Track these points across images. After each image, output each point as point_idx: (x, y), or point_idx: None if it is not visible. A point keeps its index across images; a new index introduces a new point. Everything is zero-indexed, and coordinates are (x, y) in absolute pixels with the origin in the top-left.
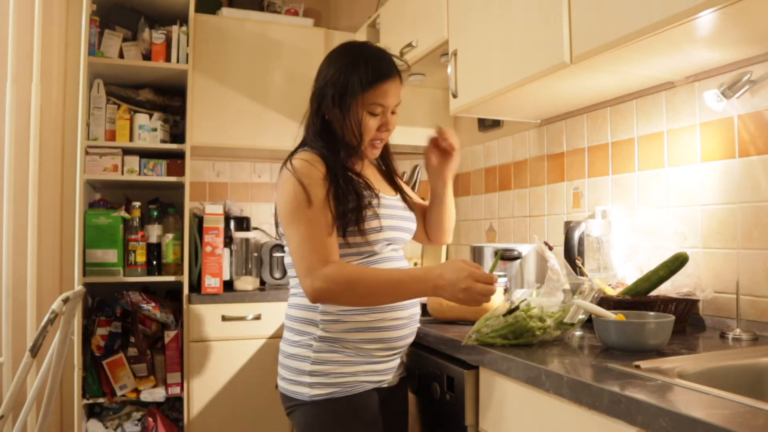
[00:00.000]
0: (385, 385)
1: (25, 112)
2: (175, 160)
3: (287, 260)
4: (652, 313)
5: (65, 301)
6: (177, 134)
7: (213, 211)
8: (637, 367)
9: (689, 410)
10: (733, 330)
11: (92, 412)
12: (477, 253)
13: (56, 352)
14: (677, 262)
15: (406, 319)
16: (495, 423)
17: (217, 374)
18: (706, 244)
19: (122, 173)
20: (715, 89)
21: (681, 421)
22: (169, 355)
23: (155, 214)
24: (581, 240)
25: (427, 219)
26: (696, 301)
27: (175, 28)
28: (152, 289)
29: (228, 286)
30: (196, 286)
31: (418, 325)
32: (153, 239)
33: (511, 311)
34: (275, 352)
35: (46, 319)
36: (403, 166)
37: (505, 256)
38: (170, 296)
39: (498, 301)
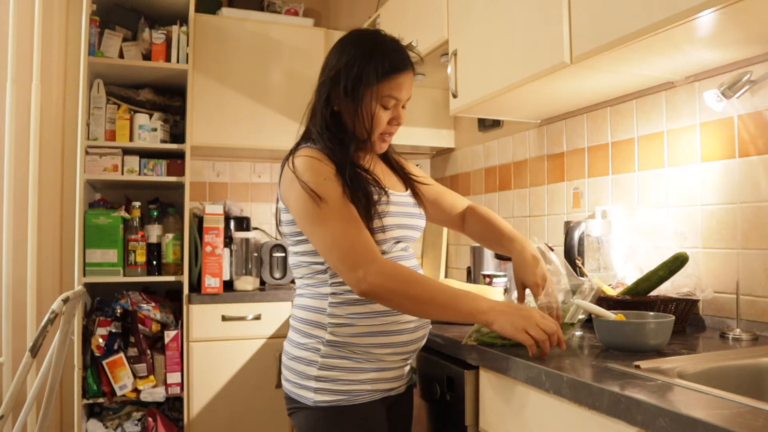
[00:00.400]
0: (393, 394)
1: (25, 112)
2: (175, 160)
3: (291, 260)
4: (652, 313)
5: (65, 301)
6: (177, 134)
7: (213, 211)
8: (637, 367)
9: (689, 410)
10: (733, 330)
11: (92, 412)
12: (477, 254)
13: (56, 352)
14: (677, 262)
15: (418, 321)
16: (495, 423)
17: (217, 374)
18: (706, 244)
19: (122, 173)
20: (715, 89)
21: (681, 421)
22: (169, 355)
23: (155, 214)
24: (581, 240)
25: (470, 230)
26: (696, 301)
27: (175, 28)
28: (152, 289)
29: (228, 286)
30: (196, 286)
31: (430, 327)
32: (153, 239)
33: None
34: (275, 352)
35: (46, 319)
36: None
37: (505, 256)
38: (170, 296)
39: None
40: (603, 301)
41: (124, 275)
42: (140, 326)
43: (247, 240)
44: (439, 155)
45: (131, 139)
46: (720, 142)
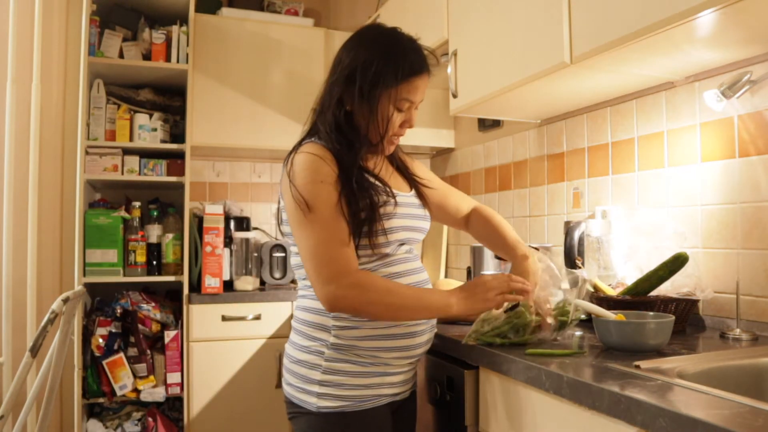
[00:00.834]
0: (398, 398)
1: (25, 112)
2: (175, 160)
3: (293, 261)
4: (652, 313)
5: (65, 301)
6: (177, 134)
7: (213, 211)
8: (637, 367)
9: (689, 410)
10: (733, 330)
11: (92, 412)
12: (477, 254)
13: (56, 352)
14: (677, 262)
15: (424, 324)
16: (495, 423)
17: (217, 374)
18: (706, 244)
19: (122, 173)
20: (715, 89)
21: (681, 421)
22: (169, 355)
23: (155, 214)
24: (581, 240)
25: (475, 231)
26: (696, 301)
27: (175, 28)
28: (152, 289)
29: (228, 286)
30: (196, 286)
31: (435, 330)
32: (153, 239)
33: (512, 308)
34: (275, 352)
35: (46, 319)
36: None
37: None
38: (170, 296)
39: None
40: (603, 301)
41: (124, 275)
42: (140, 326)
43: (247, 240)
44: (439, 155)
45: (131, 139)
46: (720, 142)
